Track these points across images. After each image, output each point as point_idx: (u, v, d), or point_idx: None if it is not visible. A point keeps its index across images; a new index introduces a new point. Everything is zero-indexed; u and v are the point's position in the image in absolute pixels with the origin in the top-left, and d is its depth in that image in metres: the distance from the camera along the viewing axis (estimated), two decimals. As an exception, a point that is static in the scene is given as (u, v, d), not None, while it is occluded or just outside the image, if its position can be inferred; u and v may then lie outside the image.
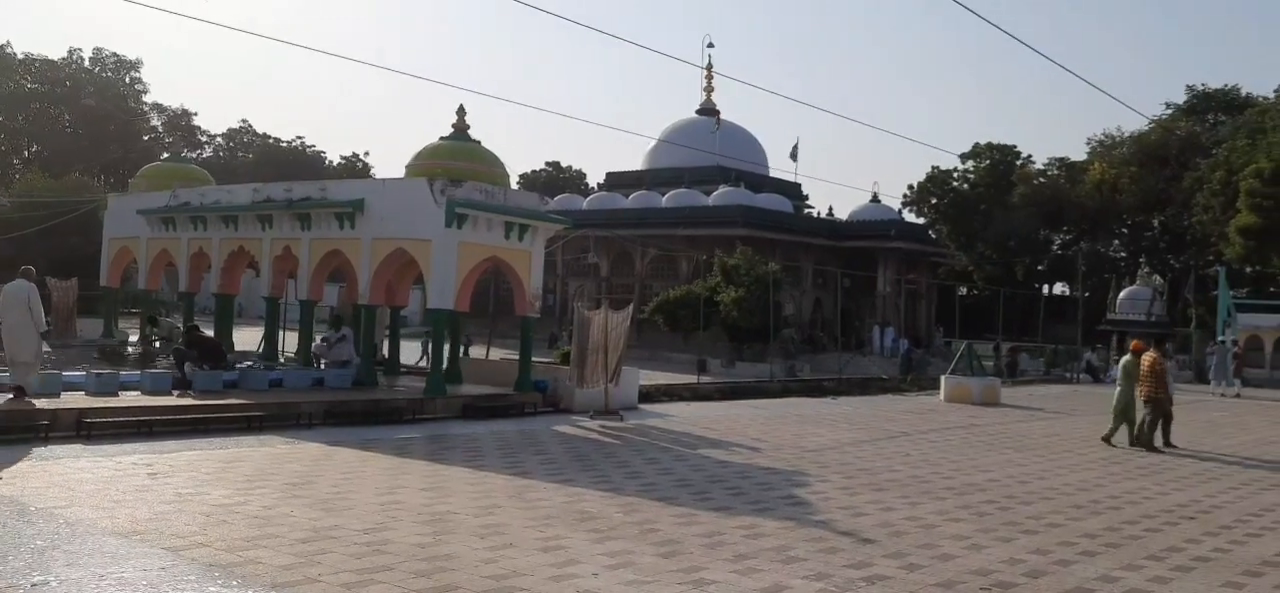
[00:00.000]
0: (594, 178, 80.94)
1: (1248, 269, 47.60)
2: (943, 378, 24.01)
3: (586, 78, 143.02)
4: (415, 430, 13.79)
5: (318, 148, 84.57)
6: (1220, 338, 34.06)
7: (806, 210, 62.17)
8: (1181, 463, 13.68)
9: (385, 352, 20.40)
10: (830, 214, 60.68)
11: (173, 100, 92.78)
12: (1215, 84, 67.60)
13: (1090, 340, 41.35)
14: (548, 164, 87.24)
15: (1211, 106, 66.60)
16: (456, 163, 17.06)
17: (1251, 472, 13.12)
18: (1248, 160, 48.28)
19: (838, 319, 40.99)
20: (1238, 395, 28.96)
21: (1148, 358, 15.42)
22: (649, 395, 19.92)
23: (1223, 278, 39.46)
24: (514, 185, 22.06)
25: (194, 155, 73.50)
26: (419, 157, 17.73)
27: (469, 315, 18.32)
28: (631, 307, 17.83)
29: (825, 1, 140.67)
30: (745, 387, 24.21)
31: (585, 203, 58.67)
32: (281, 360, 19.48)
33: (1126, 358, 15.93)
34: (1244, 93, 64.89)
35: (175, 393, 14.46)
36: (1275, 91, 53.94)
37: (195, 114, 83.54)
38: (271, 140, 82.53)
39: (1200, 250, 54.70)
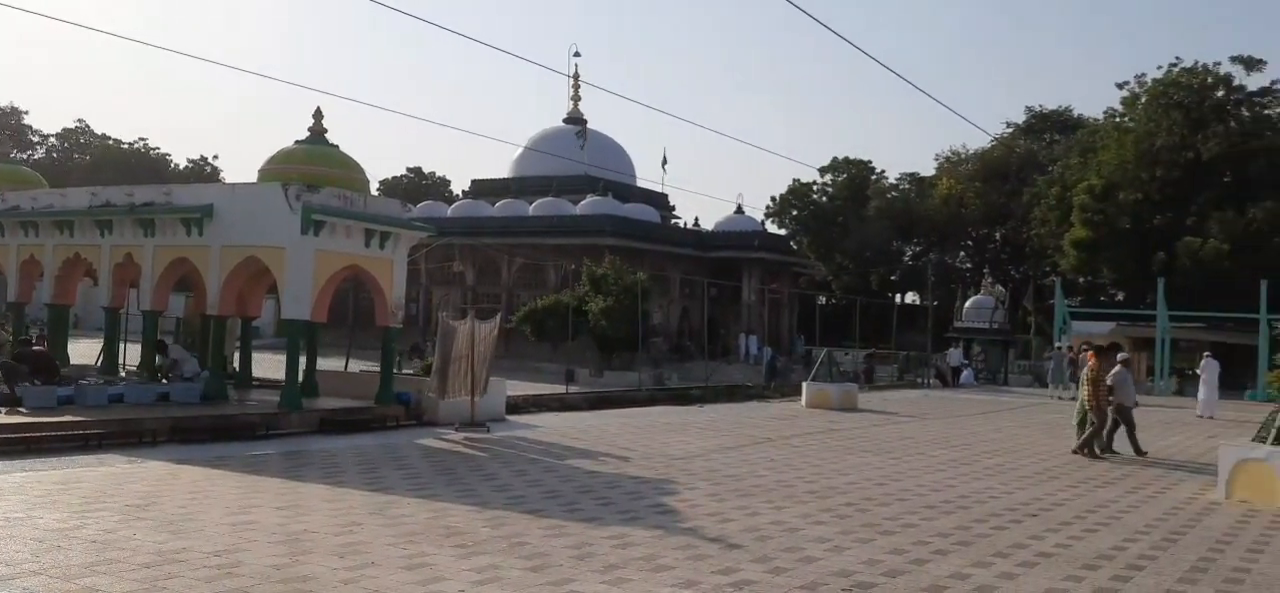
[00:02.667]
0: (459, 185, 79.77)
1: (1081, 279, 50.80)
2: (804, 385, 24.65)
3: (450, 83, 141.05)
4: (269, 447, 13.21)
5: (162, 150, 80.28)
6: (1057, 344, 36.18)
7: (674, 221, 62.94)
8: (1021, 464, 14.40)
9: (236, 364, 19.52)
10: (696, 225, 61.60)
11: None
12: (1051, 105, 72.09)
13: (941, 347, 43.23)
14: (410, 170, 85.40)
15: (1048, 126, 70.93)
16: (313, 167, 16.46)
17: (1086, 470, 13.94)
18: (1080, 177, 51.60)
19: (705, 328, 41.61)
20: (1073, 398, 30.75)
21: (1088, 368, 15.96)
22: (517, 406, 19.72)
23: (1059, 288, 41.93)
24: (374, 192, 21.47)
25: (24, 156, 68.69)
26: (273, 161, 17.04)
27: (327, 326, 17.70)
28: (499, 316, 17.59)
29: (691, 16, 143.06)
30: (614, 396, 24.27)
31: (450, 211, 57.76)
32: (122, 375, 18.36)
33: (1088, 364, 16.19)
34: (1076, 114, 69.37)
35: (3, 411, 13.43)
36: (1104, 113, 57.79)
37: (25, 113, 78.22)
38: (111, 141, 77.92)
39: (1038, 261, 58.07)
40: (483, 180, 62.97)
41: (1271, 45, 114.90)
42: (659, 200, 60.72)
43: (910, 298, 73.08)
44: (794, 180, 75.08)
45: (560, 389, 25.24)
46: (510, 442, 14.76)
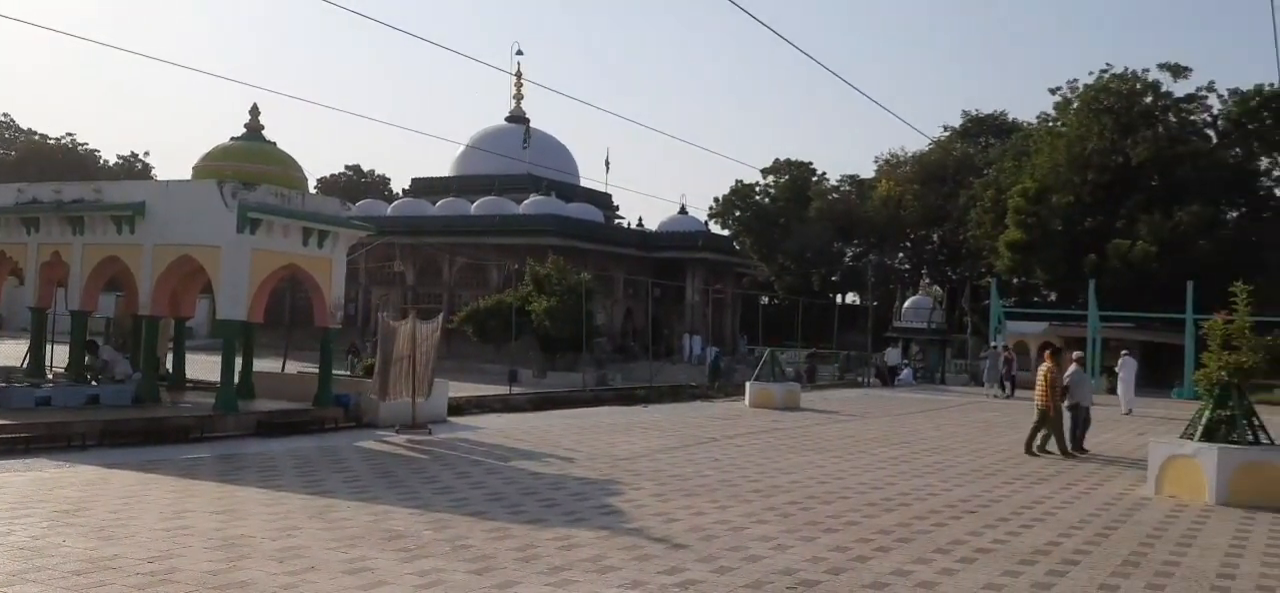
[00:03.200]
0: (399, 184, 78.87)
1: (1015, 280, 51.89)
2: (747, 384, 24.81)
3: (390, 80, 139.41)
4: (204, 450, 12.91)
5: (91, 146, 78.10)
6: (993, 344, 36.92)
7: (617, 221, 62.98)
8: (959, 462, 14.65)
9: (169, 365, 19.04)
10: (640, 225, 61.71)
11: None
12: (987, 109, 73.57)
13: (881, 346, 43.85)
14: (348, 168, 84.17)
15: (983, 130, 72.38)
16: (249, 165, 16.10)
17: (1022, 468, 14.23)
18: (1014, 180, 52.70)
19: (649, 328, 41.66)
20: (1008, 396, 31.46)
21: (1042, 368, 16.18)
22: (459, 408, 19.54)
23: (994, 288, 42.78)
24: (312, 190, 21.09)
25: (-56, 152, 66.33)
26: (208, 157, 16.65)
27: (263, 326, 17.35)
28: (440, 317, 17.40)
29: (634, 15, 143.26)
30: (557, 397, 24.20)
31: (390, 209, 57.12)
32: (50, 377, 17.79)
33: (1042, 366, 16.33)
34: (1011, 118, 70.90)
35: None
36: (1037, 118, 59.12)
37: (-54, 107, 75.52)
38: (37, 136, 75.56)
39: (974, 262, 59.18)
40: (424, 179, 62.38)
41: (1197, 53, 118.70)
42: (603, 200, 60.70)
43: (851, 298, 74.02)
44: (737, 181, 75.54)
45: (503, 390, 25.08)
46: (453, 444, 14.61)
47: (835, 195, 73.46)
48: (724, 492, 10.88)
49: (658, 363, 36.95)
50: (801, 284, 66.68)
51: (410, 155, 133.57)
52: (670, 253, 55.06)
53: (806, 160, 74.99)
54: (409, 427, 15.41)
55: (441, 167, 66.57)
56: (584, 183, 59.58)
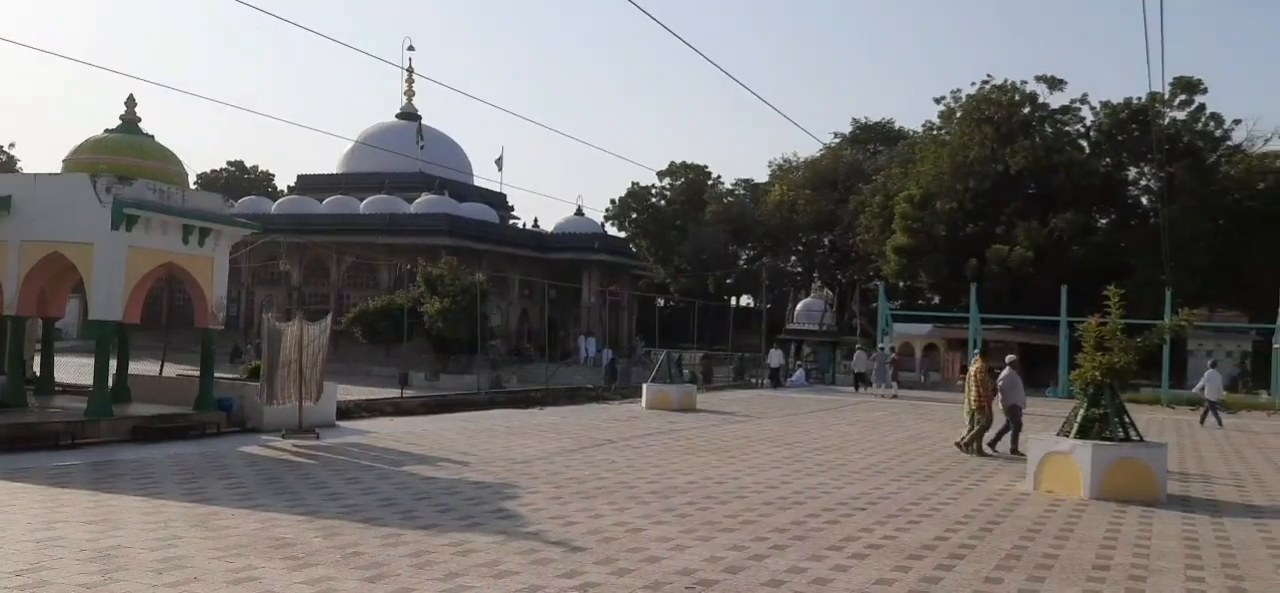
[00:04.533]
0: (284, 181, 76.60)
1: (902, 284, 53.52)
2: (644, 386, 24.88)
3: (276, 73, 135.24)
4: (75, 457, 12.23)
5: (-50, 137, 73.47)
6: (880, 346, 37.98)
7: (512, 221, 62.47)
8: (851, 460, 14.98)
9: (36, 368, 18.01)
10: (536, 226, 61.36)
11: None
12: (876, 117, 75.67)
13: (778, 348, 44.59)
14: (231, 164, 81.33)
15: (872, 137, 74.47)
16: (125, 158, 15.36)
17: (910, 465, 14.63)
18: (901, 187, 54.37)
19: (545, 330, 41.45)
20: (895, 396, 32.40)
21: (972, 367, 16.49)
22: (348, 412, 19.02)
23: (882, 292, 44.01)
24: (192, 185, 20.27)
25: None
26: (80, 150, 15.81)
27: (140, 327, 16.56)
28: (329, 318, 16.91)
29: (530, 14, 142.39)
30: (451, 399, 23.79)
31: (274, 207, 55.39)
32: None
33: (972, 366, 16.65)
34: (898, 126, 73.13)
35: None
36: (923, 126, 61.09)
37: None
38: (-109, 126, 70.74)
39: (863, 266, 60.79)
40: (311, 176, 60.71)
41: (1071, 66, 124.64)
42: (497, 200, 60.15)
43: (745, 301, 75.11)
44: (633, 183, 75.86)
45: (394, 393, 24.55)
46: (342, 448, 14.22)
47: (730, 199, 74.47)
48: (622, 494, 10.86)
49: (554, 365, 36.77)
50: (697, 286, 67.35)
51: (297, 151, 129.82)
52: (566, 254, 54.91)
53: (702, 164, 75.88)
54: (296, 431, 14.93)
55: (329, 163, 64.97)
56: (478, 182, 58.95)
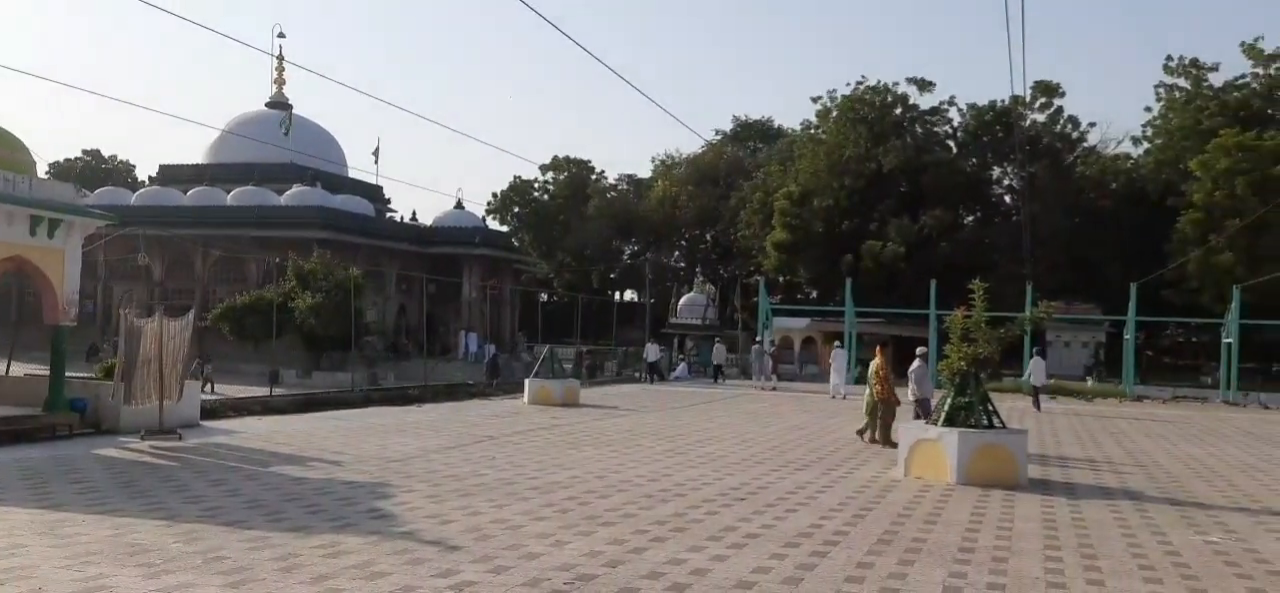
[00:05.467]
0: (145, 171, 73.03)
1: (781, 278, 54.65)
2: (526, 381, 24.66)
3: (135, 58, 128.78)
4: (-94, 465, 11.32)
5: None
6: (758, 339, 38.68)
7: (390, 214, 61.11)
8: (731, 452, 15.17)
9: None
10: (414, 219, 60.16)
11: None
12: (756, 115, 77.07)
13: (658, 342, 44.88)
14: (86, 153, 77.02)
15: (752, 135, 75.80)
16: (-33, 144, 14.32)
17: (787, 455, 14.90)
18: (780, 184, 55.52)
19: (423, 326, 40.67)
20: (774, 388, 33.03)
21: (874, 362, 16.64)
22: (214, 411, 18.21)
23: (762, 286, 44.78)
24: (43, 174, 19.08)
25: None
26: (-85, 134, 14.66)
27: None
28: (191, 313, 16.13)
29: (408, 2, 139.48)
30: (325, 398, 23.06)
31: (134, 198, 52.77)
32: None
33: (874, 362, 16.81)
34: (777, 124, 74.64)
35: None
36: (801, 125, 62.49)
37: None
38: None
39: (744, 261, 61.84)
40: (174, 166, 58.05)
41: (940, 69, 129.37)
42: (373, 193, 58.74)
43: (629, 295, 75.46)
44: (515, 177, 75.26)
45: (264, 392, 23.68)
46: (206, 449, 13.58)
47: (614, 194, 74.65)
48: (501, 491, 10.69)
49: (433, 361, 36.10)
50: (581, 281, 67.28)
51: (159, 141, 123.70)
52: (446, 248, 54.01)
53: (585, 158, 75.83)
54: (156, 432, 14.19)
55: (194, 153, 62.31)
56: (353, 174, 57.39)
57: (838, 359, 31.33)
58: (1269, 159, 42.31)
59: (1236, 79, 50.02)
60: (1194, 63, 50.91)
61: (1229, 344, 36.03)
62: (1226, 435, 20.62)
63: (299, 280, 36.95)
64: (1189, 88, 50.85)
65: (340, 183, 55.55)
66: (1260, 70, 49.30)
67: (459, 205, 58.62)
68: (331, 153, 58.10)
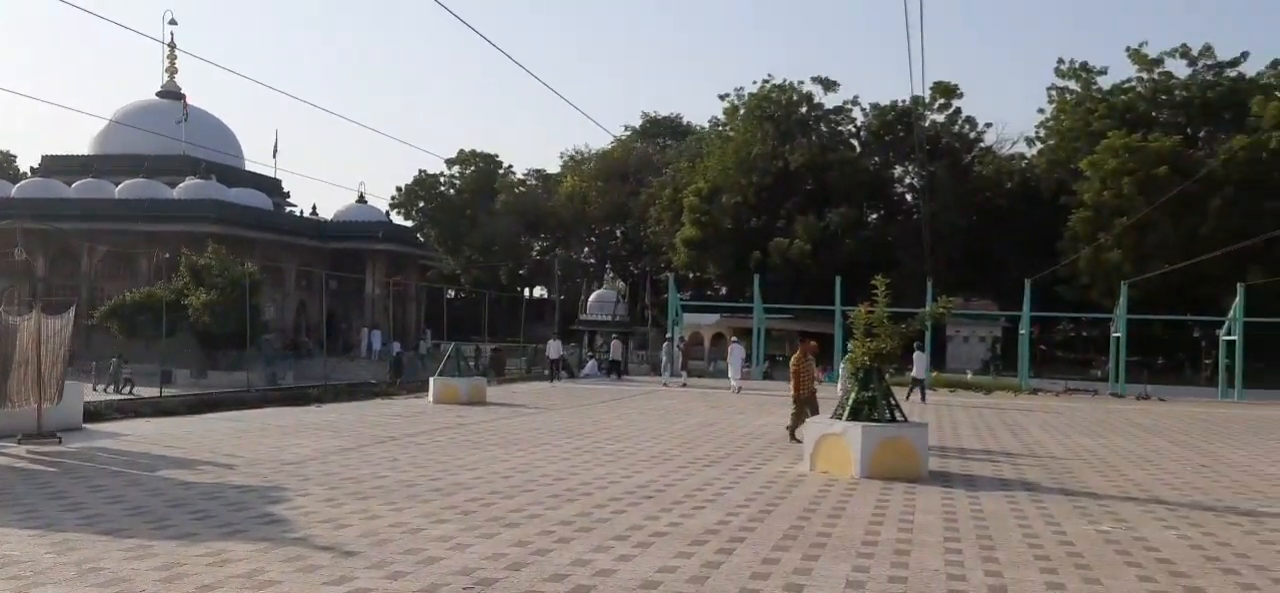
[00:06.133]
0: (27, 161, 69.52)
1: (691, 275, 54.99)
2: (431, 380, 24.18)
3: (14, 42, 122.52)
4: None
5: None
6: (668, 336, 38.77)
7: (289, 208, 59.44)
8: (639, 449, 15.07)
9: None
10: (314, 213, 58.62)
11: None
12: (665, 111, 77.36)
13: (568, 339, 44.63)
14: (-40, 143, 73.04)
15: (661, 131, 76.07)
16: None
17: (695, 451, 14.87)
18: (689, 181, 55.82)
19: (324, 323, 39.65)
20: (683, 385, 33.12)
21: (794, 359, 16.50)
22: (98, 413, 17.34)
23: (672, 283, 44.94)
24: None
25: None
26: None
27: None
28: (72, 310, 15.29)
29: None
30: (219, 398, 22.25)
31: (15, 189, 50.21)
32: None
33: (795, 356, 16.66)
34: (686, 121, 75.04)
35: None
36: (709, 122, 62.97)
37: None
38: None
39: (654, 258, 62.05)
40: (58, 157, 55.39)
41: (843, 68, 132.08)
42: (271, 186, 57.06)
43: (538, 292, 75.00)
44: (420, 171, 74.04)
45: (154, 392, 22.69)
46: (88, 454, 12.88)
47: (522, 189, 74.04)
48: (402, 493, 10.37)
49: (334, 360, 35.21)
50: (488, 277, 66.58)
51: (42, 130, 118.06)
52: (348, 243, 52.76)
53: (493, 152, 75.02)
54: (33, 436, 13.40)
55: (80, 144, 59.53)
56: (250, 167, 55.61)
57: (734, 354, 31.96)
58: (1153, 160, 44.26)
59: (1123, 83, 52.21)
60: (1084, 66, 52.96)
61: (1117, 338, 37.56)
62: (1115, 427, 21.41)
63: (192, 277, 35.65)
64: (1079, 90, 52.87)
65: (236, 176, 53.80)
66: (1145, 75, 51.56)
67: (361, 200, 57.32)
68: (227, 145, 56.23)
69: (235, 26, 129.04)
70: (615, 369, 36.74)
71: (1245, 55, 50.18)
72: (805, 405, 16.04)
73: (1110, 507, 10.79)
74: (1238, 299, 36.62)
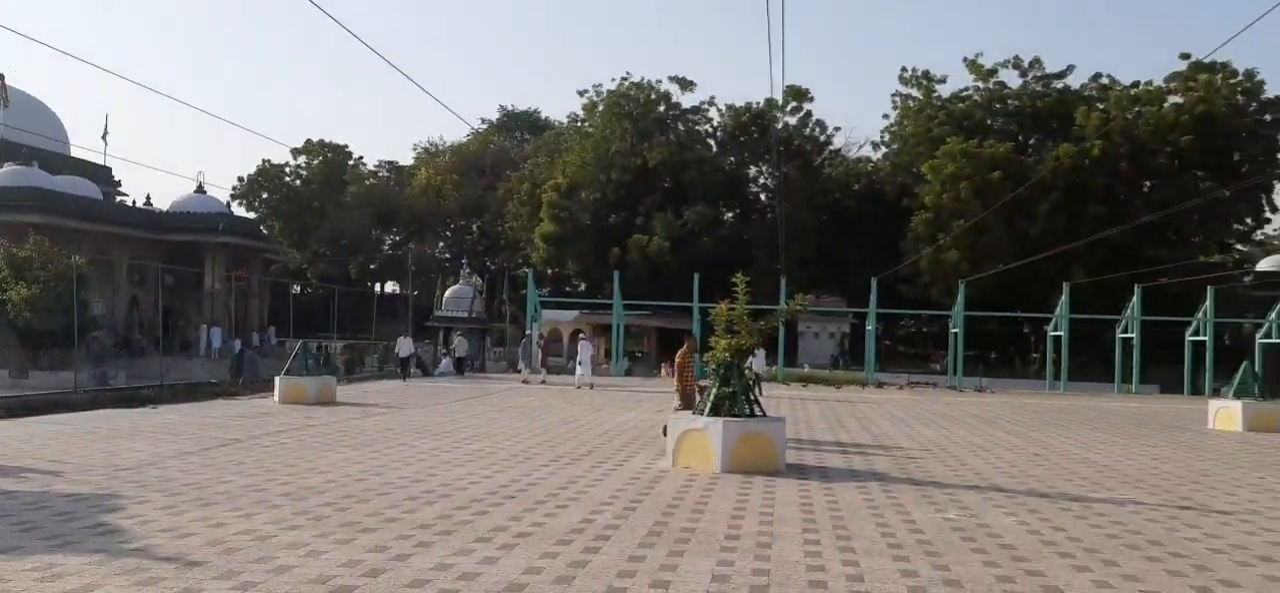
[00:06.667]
0: None
1: (550, 271, 54.79)
2: (277, 379, 23.20)
3: None
4: None
5: None
6: (528, 332, 38.49)
7: (120, 198, 56.08)
8: (499, 448, 14.86)
9: None
10: (149, 203, 55.44)
11: None
12: (522, 105, 76.79)
13: (422, 336, 43.69)
14: None
15: (519, 125, 75.54)
16: None
17: (558, 449, 14.77)
18: (548, 176, 55.61)
19: (159, 319, 37.56)
20: (543, 381, 32.94)
21: (680, 354, 16.26)
22: (-99, 418, 15.85)
23: (530, 278, 44.65)
24: None
25: None
26: None
27: None
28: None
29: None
30: (42, 400, 20.76)
31: None
32: None
33: (679, 354, 16.43)
34: (544, 116, 74.73)
35: None
36: (568, 117, 62.87)
37: None
38: None
39: (512, 253, 61.53)
40: None
41: (701, 69, 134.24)
42: (101, 174, 53.68)
43: (391, 287, 73.20)
44: (264, 160, 71.16)
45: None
46: (-110, 463, 11.72)
47: (373, 181, 72.11)
48: (249, 498, 9.86)
49: (171, 359, 33.38)
50: (338, 272, 64.55)
51: None
52: (186, 235, 50.14)
53: (342, 143, 72.78)
54: None
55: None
56: (77, 153, 52.09)
57: (583, 350, 32.38)
58: (988, 166, 46.83)
59: (961, 91, 55.03)
60: (925, 75, 55.53)
61: (955, 334, 39.57)
62: (955, 418, 22.52)
63: (11, 270, 33.18)
64: (921, 97, 55.39)
65: (61, 163, 50.34)
66: (981, 84, 54.48)
67: (200, 190, 54.56)
68: (51, 130, 52.53)
69: (61, 5, 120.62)
70: (459, 366, 36.14)
71: (1071, 68, 53.76)
72: (690, 400, 16.25)
73: (955, 495, 11.29)
74: (1063, 297, 39.21)
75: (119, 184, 56.54)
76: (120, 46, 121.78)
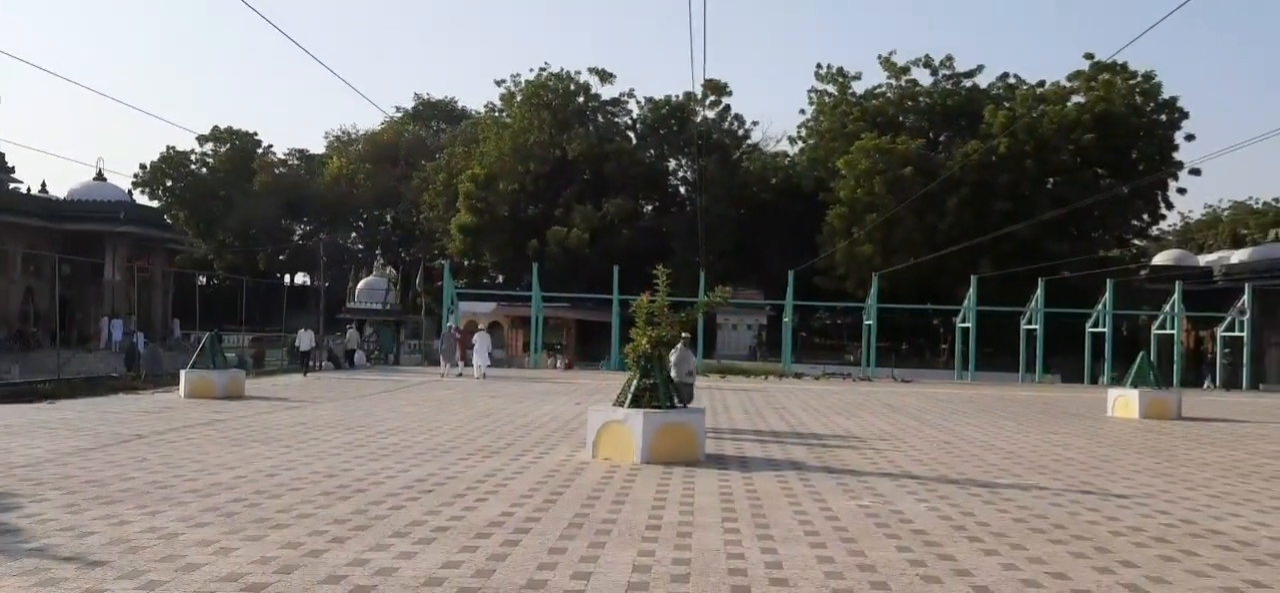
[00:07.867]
0: None
1: (467, 262, 54.16)
2: (183, 373, 22.46)
3: None
4: None
5: None
6: (447, 325, 38.00)
7: (13, 185, 53.53)
8: (416, 442, 14.64)
9: None
10: (44, 190, 53.12)
11: None
12: (438, 94, 75.70)
13: (333, 328, 42.79)
14: None
15: (435, 114, 74.45)
16: None
17: (477, 442, 14.62)
18: (465, 166, 54.96)
19: (56, 312, 35.99)
20: (460, 375, 32.57)
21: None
22: None
23: (447, 270, 44.09)
24: None
25: None
26: None
27: None
28: None
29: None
30: (-73, 395, 19.67)
31: None
32: None
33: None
34: (461, 105, 73.78)
35: None
36: (485, 107, 62.19)
37: None
38: None
39: (428, 244, 60.65)
40: None
41: (618, 61, 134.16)
42: (-6, 160, 51.17)
43: (301, 279, 71.51)
44: (168, 147, 68.81)
45: None
46: None
47: (283, 170, 70.35)
48: (154, 496, 9.52)
49: (69, 352, 32.03)
50: (246, 263, 62.83)
51: None
52: (84, 225, 48.15)
53: (251, 130, 70.73)
54: None
55: None
56: (-31, 137, 49.59)
57: (480, 342, 32.57)
58: (900, 162, 47.88)
59: (875, 88, 56.12)
60: (840, 71, 56.47)
61: (869, 326, 40.38)
62: (869, 408, 22.99)
63: (-108, 259, 31.35)
64: (836, 94, 56.33)
65: (-52, 146, 47.79)
66: (894, 81, 55.65)
67: (100, 176, 52.44)
68: (-63, 110, 49.84)
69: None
70: (305, 362, 32.28)
71: (980, 68, 55.28)
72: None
73: (869, 483, 11.53)
74: (971, 290, 40.35)
75: (12, 171, 54.02)
76: (10, 21, 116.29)
